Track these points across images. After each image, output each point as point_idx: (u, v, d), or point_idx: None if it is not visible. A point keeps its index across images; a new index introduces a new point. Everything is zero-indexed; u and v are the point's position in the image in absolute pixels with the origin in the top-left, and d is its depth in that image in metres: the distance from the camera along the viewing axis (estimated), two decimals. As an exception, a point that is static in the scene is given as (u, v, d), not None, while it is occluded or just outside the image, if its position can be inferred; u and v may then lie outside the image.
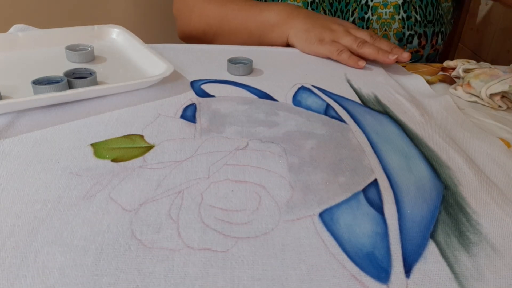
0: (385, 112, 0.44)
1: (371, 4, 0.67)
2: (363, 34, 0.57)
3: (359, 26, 0.67)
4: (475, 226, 0.29)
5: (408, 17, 0.68)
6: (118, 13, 1.08)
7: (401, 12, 0.67)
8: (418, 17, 0.68)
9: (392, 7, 0.67)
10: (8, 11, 0.99)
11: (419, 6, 0.68)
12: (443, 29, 0.73)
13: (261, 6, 0.64)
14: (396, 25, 0.68)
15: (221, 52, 0.57)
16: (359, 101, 0.46)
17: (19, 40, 0.51)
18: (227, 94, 0.45)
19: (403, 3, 0.67)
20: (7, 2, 0.98)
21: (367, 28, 0.69)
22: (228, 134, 0.38)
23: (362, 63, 0.55)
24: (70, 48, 0.51)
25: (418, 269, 0.25)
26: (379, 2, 0.67)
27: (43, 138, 0.35)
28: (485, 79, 0.49)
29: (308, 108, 0.44)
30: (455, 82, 0.55)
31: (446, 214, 0.30)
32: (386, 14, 0.67)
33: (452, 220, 0.29)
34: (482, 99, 0.48)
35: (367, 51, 0.55)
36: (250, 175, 0.33)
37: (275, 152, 0.36)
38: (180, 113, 0.41)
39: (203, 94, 0.45)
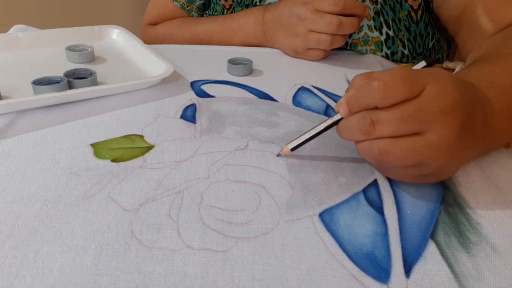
0: (385, 113, 0.44)
1: (349, 41, 0.60)
2: (328, 7, 0.51)
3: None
4: (475, 226, 0.29)
5: (393, 53, 0.61)
6: (119, 13, 1.08)
7: (384, 48, 0.60)
8: (406, 51, 0.61)
9: (373, 44, 0.60)
10: (8, 11, 0.99)
11: (408, 39, 0.61)
12: (439, 55, 0.67)
13: (231, 25, 0.62)
14: None
15: (221, 53, 0.57)
16: (359, 102, 0.46)
17: (19, 41, 0.52)
18: (227, 94, 0.45)
19: (386, 40, 0.60)
20: (7, 2, 0.98)
21: None
22: (228, 134, 0.38)
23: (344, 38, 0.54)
24: (70, 49, 0.51)
25: (418, 269, 0.25)
26: (359, 38, 0.60)
27: (43, 138, 0.35)
28: (485, 79, 0.49)
29: (308, 108, 0.44)
30: (455, 82, 0.55)
31: (446, 214, 0.30)
32: (366, 52, 0.60)
33: (452, 220, 0.29)
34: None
35: (345, 31, 0.52)
36: (250, 175, 0.33)
37: (275, 152, 0.36)
38: (180, 113, 0.41)
39: (203, 94, 0.45)
